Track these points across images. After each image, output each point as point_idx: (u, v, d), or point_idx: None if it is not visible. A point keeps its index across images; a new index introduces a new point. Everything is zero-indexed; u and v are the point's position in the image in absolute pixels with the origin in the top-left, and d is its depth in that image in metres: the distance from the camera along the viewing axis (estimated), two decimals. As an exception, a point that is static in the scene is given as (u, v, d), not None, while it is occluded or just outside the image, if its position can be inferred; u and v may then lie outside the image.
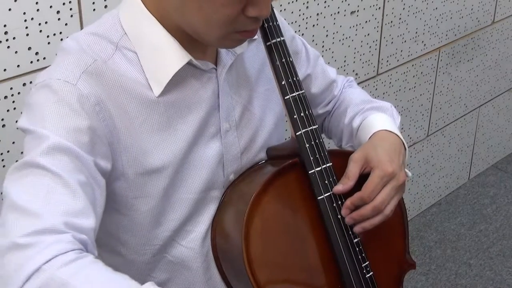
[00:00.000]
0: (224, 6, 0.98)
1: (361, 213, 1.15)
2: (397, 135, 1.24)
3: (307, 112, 1.16)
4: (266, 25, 1.14)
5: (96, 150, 1.00)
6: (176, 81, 1.08)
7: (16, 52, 1.47)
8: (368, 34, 2.31)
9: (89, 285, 0.84)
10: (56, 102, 0.99)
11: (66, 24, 1.53)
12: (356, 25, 2.25)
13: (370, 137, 1.24)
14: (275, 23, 1.15)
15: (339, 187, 1.15)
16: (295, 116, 1.15)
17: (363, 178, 1.16)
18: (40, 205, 0.90)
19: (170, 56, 1.06)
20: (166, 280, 1.18)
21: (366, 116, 1.29)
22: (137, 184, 1.09)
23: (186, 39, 1.06)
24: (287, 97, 1.15)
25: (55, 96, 0.99)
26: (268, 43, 1.15)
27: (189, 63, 1.07)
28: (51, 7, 1.49)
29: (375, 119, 1.27)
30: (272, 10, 1.13)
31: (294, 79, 1.15)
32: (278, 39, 1.15)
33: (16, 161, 0.99)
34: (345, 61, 2.27)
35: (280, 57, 1.15)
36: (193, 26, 1.03)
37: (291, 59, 1.16)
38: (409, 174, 1.25)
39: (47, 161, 0.93)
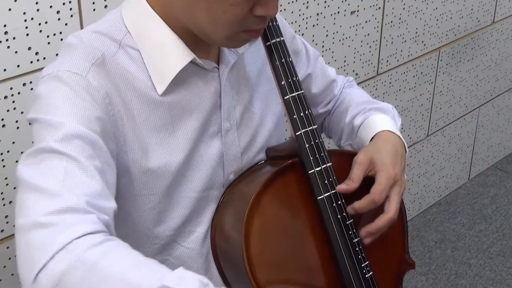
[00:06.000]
0: (233, 6, 0.98)
1: (378, 226, 1.16)
2: (399, 137, 1.25)
3: (306, 112, 1.16)
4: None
5: (106, 142, 1.00)
6: (179, 80, 1.08)
7: (16, 52, 1.47)
8: (368, 34, 2.31)
9: (119, 265, 0.82)
10: (67, 91, 0.98)
11: (66, 24, 1.53)
12: (356, 25, 2.25)
13: (373, 137, 1.24)
14: (274, 23, 1.15)
15: (343, 186, 1.15)
16: (294, 116, 1.15)
17: (365, 180, 1.17)
18: (59, 186, 0.89)
19: (174, 54, 1.06)
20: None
21: (368, 116, 1.29)
22: (140, 181, 1.09)
23: (190, 38, 1.06)
24: (287, 97, 1.15)
25: (66, 86, 0.99)
26: (268, 43, 1.15)
27: (192, 62, 1.08)
28: (51, 7, 1.49)
29: (377, 119, 1.28)
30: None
31: (294, 79, 1.15)
32: (278, 39, 1.15)
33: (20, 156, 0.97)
34: (345, 61, 2.27)
35: (279, 57, 1.15)
36: (200, 26, 1.03)
37: (290, 59, 1.16)
38: (405, 177, 1.25)
39: (63, 147, 0.93)
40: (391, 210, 1.16)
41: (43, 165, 0.91)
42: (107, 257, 0.82)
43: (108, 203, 0.93)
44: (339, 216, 1.16)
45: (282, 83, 1.15)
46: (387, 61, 2.44)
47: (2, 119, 1.50)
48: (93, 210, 0.88)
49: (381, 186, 1.15)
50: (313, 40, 2.12)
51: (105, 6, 1.58)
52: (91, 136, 0.96)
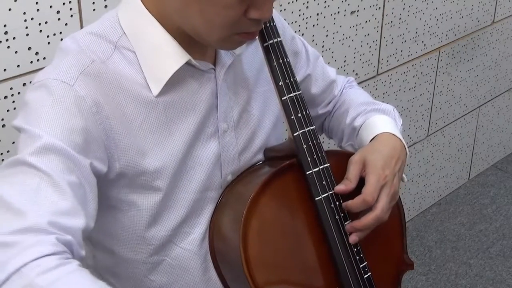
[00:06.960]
0: (226, 8, 0.98)
1: (364, 223, 1.15)
2: (400, 139, 1.25)
3: (304, 113, 1.16)
4: (263, 26, 1.14)
5: (91, 152, 1.00)
6: (175, 81, 1.08)
7: (16, 52, 1.47)
8: (368, 34, 2.32)
9: None
10: (52, 102, 0.99)
11: (66, 24, 1.53)
12: (356, 25, 2.25)
13: (373, 138, 1.24)
14: (272, 24, 1.15)
15: (341, 187, 1.15)
16: (292, 117, 1.15)
17: (362, 181, 1.17)
18: (26, 203, 0.90)
19: (169, 56, 1.06)
20: (166, 284, 1.18)
21: (369, 117, 1.29)
22: (137, 183, 1.09)
23: (186, 39, 1.07)
24: (284, 98, 1.15)
25: (51, 96, 0.99)
26: (265, 44, 1.15)
27: (188, 63, 1.08)
28: (51, 7, 1.49)
29: (378, 120, 1.28)
30: (269, 11, 1.14)
31: (291, 79, 1.16)
32: (275, 40, 1.15)
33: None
34: (345, 61, 2.27)
35: (277, 58, 1.15)
36: (194, 27, 1.03)
37: (288, 60, 1.16)
38: (405, 179, 1.26)
39: (37, 161, 0.93)
40: (378, 208, 1.15)
41: (16, 179, 0.93)
42: (57, 284, 0.83)
43: (76, 221, 0.93)
44: (337, 217, 1.16)
45: (280, 84, 1.15)
46: (387, 61, 2.44)
47: (2, 119, 1.51)
48: (54, 230, 0.89)
49: (371, 188, 1.15)
50: (313, 40, 2.12)
51: (105, 6, 1.58)
52: (68, 150, 0.96)
